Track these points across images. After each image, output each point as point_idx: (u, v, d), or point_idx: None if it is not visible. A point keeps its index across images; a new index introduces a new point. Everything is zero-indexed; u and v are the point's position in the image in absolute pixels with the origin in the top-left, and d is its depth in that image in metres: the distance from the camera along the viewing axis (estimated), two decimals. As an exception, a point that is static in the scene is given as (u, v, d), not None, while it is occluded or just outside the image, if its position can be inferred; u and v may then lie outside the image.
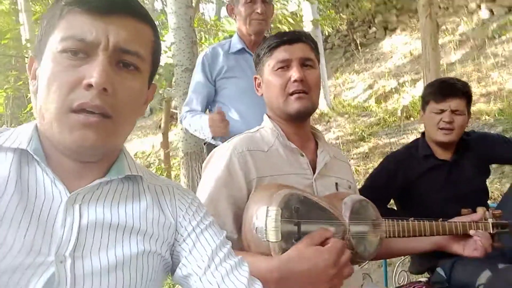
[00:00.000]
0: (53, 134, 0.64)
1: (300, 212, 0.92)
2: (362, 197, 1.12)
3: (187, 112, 1.93)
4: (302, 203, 0.94)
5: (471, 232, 1.28)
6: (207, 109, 2.01)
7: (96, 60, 0.63)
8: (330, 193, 1.16)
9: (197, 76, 1.94)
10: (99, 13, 0.64)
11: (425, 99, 1.75)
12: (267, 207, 0.91)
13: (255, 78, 1.28)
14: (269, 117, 1.24)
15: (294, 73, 1.14)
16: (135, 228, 0.69)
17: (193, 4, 3.47)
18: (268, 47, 1.20)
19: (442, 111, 1.67)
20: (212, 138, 1.76)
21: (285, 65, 1.16)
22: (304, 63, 1.17)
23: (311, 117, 1.26)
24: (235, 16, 1.94)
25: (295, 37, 1.19)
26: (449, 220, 1.29)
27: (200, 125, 1.81)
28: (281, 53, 1.17)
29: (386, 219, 1.15)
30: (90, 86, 0.61)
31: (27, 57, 4.00)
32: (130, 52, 0.66)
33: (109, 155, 0.71)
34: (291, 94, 1.15)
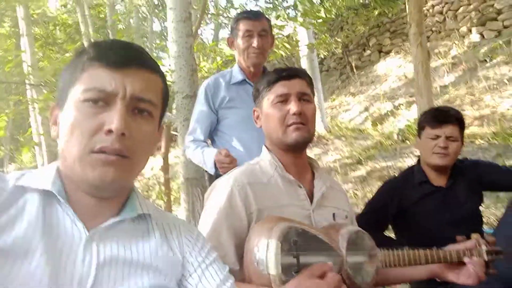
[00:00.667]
0: (75, 173, 0.70)
1: (298, 244, 0.96)
2: (358, 228, 1.16)
3: (191, 142, 1.98)
4: (300, 236, 0.98)
5: (466, 259, 1.30)
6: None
7: (115, 108, 0.70)
8: (328, 224, 1.20)
9: (200, 105, 1.99)
10: (116, 67, 0.71)
11: (421, 125, 1.82)
12: (267, 240, 0.95)
13: (254, 110, 1.34)
14: (267, 148, 1.29)
15: (292, 106, 1.20)
16: (147, 265, 0.74)
17: (193, 31, 3.57)
18: (267, 82, 1.26)
19: (437, 136, 1.73)
20: (215, 172, 1.79)
21: (283, 99, 1.22)
22: (302, 98, 1.24)
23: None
24: (235, 48, 2.01)
25: (293, 73, 1.26)
26: (444, 248, 1.33)
27: (202, 159, 1.86)
28: (279, 88, 1.23)
29: (382, 249, 1.19)
30: (110, 131, 0.68)
31: (29, 83, 4.08)
32: (144, 100, 0.73)
33: (122, 192, 0.78)
34: (290, 125, 1.20)
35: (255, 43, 1.90)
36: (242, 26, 1.93)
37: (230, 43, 2.04)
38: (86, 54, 0.73)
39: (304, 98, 1.24)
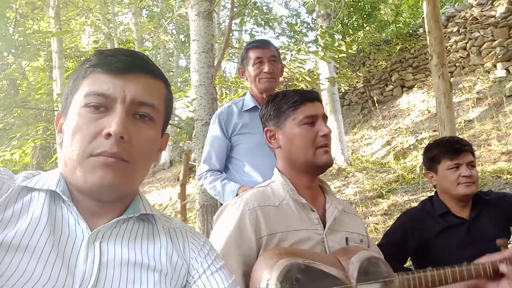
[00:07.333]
0: (76, 178, 0.70)
1: (301, 282, 0.92)
2: (371, 254, 1.10)
3: (207, 172, 1.98)
4: (303, 272, 0.94)
5: (502, 267, 1.19)
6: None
7: (114, 112, 0.70)
8: (340, 248, 1.15)
9: (214, 132, 2.00)
10: (118, 72, 0.72)
11: (436, 159, 1.76)
12: (267, 281, 0.92)
13: (268, 130, 1.30)
14: (279, 171, 1.27)
15: (324, 128, 1.21)
16: (151, 266, 0.72)
17: (215, 63, 3.67)
18: (293, 102, 1.25)
19: (458, 165, 1.68)
20: None
21: (311, 121, 1.22)
22: (324, 120, 1.25)
23: (329, 172, 1.30)
24: (246, 78, 2.05)
25: (316, 96, 1.29)
26: (478, 261, 1.23)
27: (222, 193, 1.86)
28: (308, 109, 1.23)
29: (400, 274, 1.11)
30: (109, 135, 0.68)
31: (57, 110, 4.25)
32: (145, 104, 0.73)
33: (125, 197, 0.76)
34: (319, 147, 1.20)
35: (266, 68, 1.93)
36: (252, 54, 1.98)
37: (241, 72, 2.08)
38: (88, 61, 0.74)
39: (326, 120, 1.26)
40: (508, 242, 1.75)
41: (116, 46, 10.48)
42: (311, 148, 1.20)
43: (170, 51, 14.41)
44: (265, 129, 1.31)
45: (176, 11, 8.83)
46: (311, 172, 1.23)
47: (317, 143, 1.20)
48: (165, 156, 12.44)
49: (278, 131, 1.27)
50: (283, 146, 1.26)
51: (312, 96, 1.26)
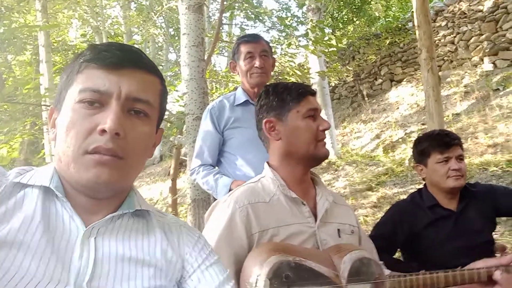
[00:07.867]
0: (70, 174, 0.69)
1: (290, 279, 0.93)
2: (363, 255, 1.08)
3: (200, 166, 1.98)
4: (293, 270, 0.95)
5: (496, 274, 1.17)
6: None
7: (109, 108, 0.69)
8: (334, 244, 1.16)
9: (206, 127, 2.00)
10: (112, 68, 0.71)
11: (426, 152, 1.77)
12: (257, 276, 0.93)
13: (268, 121, 1.25)
14: (269, 165, 1.27)
15: (324, 122, 1.24)
16: (146, 262, 0.72)
17: (205, 57, 3.65)
18: (297, 93, 1.24)
19: (448, 159, 1.70)
20: None
21: (313, 114, 1.24)
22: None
23: (320, 165, 1.33)
24: (238, 72, 2.05)
25: (315, 91, 1.31)
26: (473, 265, 1.22)
27: (215, 188, 1.86)
28: (311, 102, 1.24)
29: (392, 276, 1.11)
30: (104, 131, 0.67)
31: (45, 105, 4.19)
32: (140, 100, 0.72)
33: (120, 193, 0.76)
34: (319, 141, 1.23)
35: (257, 63, 1.93)
36: (243, 49, 1.97)
37: (233, 67, 2.08)
38: (83, 56, 0.73)
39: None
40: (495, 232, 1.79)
41: (104, 40, 10.34)
42: (313, 141, 1.21)
43: (160, 44, 14.30)
44: (264, 120, 1.26)
45: (165, 4, 8.74)
46: (308, 165, 1.24)
47: (318, 136, 1.22)
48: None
49: (279, 122, 1.24)
50: (284, 138, 1.23)
51: (313, 90, 1.29)
